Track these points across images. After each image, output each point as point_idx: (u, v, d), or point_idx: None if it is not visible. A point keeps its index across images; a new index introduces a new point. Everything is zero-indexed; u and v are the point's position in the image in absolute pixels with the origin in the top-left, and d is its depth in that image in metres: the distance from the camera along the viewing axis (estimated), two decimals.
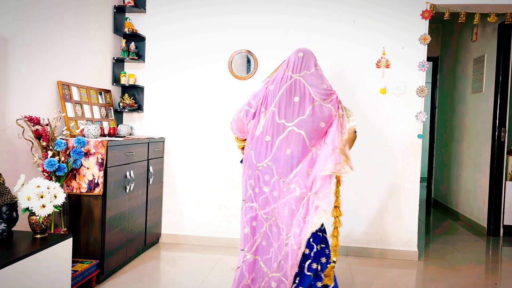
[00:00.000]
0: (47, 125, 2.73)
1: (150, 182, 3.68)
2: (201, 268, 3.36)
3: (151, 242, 3.84)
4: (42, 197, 2.21)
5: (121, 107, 3.90)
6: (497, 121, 4.69)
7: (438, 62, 6.40)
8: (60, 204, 2.33)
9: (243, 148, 2.66)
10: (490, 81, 4.86)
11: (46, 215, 2.24)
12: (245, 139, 2.63)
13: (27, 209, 2.22)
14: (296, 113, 2.49)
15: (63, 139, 2.81)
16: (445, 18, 3.69)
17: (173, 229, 4.04)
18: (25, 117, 2.63)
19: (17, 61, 2.66)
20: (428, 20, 3.67)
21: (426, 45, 3.70)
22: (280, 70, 2.58)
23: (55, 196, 2.29)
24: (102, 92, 3.71)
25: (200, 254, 3.73)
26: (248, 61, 3.90)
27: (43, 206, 2.21)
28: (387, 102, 3.74)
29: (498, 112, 4.68)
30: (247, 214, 2.56)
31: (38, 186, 2.22)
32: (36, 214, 2.22)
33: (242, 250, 2.59)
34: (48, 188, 2.25)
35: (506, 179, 4.75)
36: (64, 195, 2.35)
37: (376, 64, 3.75)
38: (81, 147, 2.80)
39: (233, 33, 3.92)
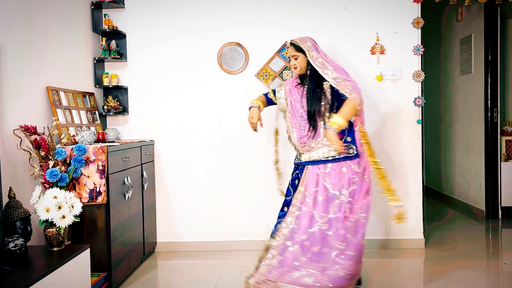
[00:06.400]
0: (43, 133, 2.84)
1: (145, 188, 3.83)
2: (209, 275, 3.54)
3: (148, 252, 3.99)
4: (60, 207, 2.35)
5: (105, 111, 4.02)
6: (489, 102, 5.10)
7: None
8: (78, 214, 2.47)
9: None
10: (478, 62, 5.26)
11: (66, 226, 2.38)
12: None
13: (45, 221, 2.36)
14: None
15: (61, 147, 2.93)
16: (436, 1, 4.02)
17: (169, 237, 4.20)
18: (22, 126, 2.73)
19: (9, 67, 2.76)
20: (420, 4, 3.99)
21: (420, 29, 4.02)
22: None
23: (72, 206, 2.43)
24: (86, 96, 3.82)
25: (203, 261, 3.91)
26: (239, 54, 4.10)
27: (63, 217, 2.35)
28: (384, 89, 4.04)
29: (489, 93, 5.09)
30: None
31: (55, 197, 2.36)
32: (57, 226, 2.35)
33: None
34: (65, 198, 2.39)
35: (501, 160, 5.18)
36: (81, 205, 2.49)
37: (371, 50, 4.04)
38: (82, 155, 2.92)
39: (220, 24, 4.11)
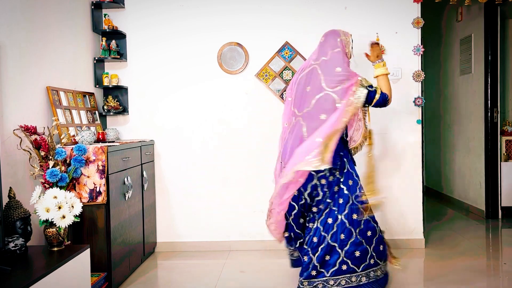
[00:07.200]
0: (43, 133, 2.84)
1: (145, 188, 3.83)
2: (209, 275, 3.54)
3: (148, 252, 3.99)
4: (60, 207, 2.35)
5: (106, 111, 4.02)
6: (489, 102, 5.10)
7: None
8: (78, 214, 2.48)
9: None
10: (478, 62, 5.26)
11: (66, 226, 2.38)
12: None
13: (45, 221, 2.36)
14: (305, 103, 2.84)
15: (61, 147, 2.93)
16: (436, 1, 4.02)
17: (169, 237, 4.20)
18: (22, 126, 2.73)
19: (9, 67, 2.76)
20: (420, 4, 3.99)
21: (420, 29, 4.02)
22: (308, 58, 3.02)
23: (72, 206, 2.44)
24: (86, 96, 3.82)
25: (203, 261, 3.91)
26: (239, 54, 4.10)
27: (63, 217, 2.35)
28: None
29: (489, 93, 5.09)
30: None
31: (55, 197, 2.36)
32: (57, 226, 2.35)
33: None
34: (65, 198, 2.39)
35: (501, 160, 5.18)
36: (81, 205, 2.50)
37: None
38: (82, 155, 2.92)
39: (220, 24, 4.11)
